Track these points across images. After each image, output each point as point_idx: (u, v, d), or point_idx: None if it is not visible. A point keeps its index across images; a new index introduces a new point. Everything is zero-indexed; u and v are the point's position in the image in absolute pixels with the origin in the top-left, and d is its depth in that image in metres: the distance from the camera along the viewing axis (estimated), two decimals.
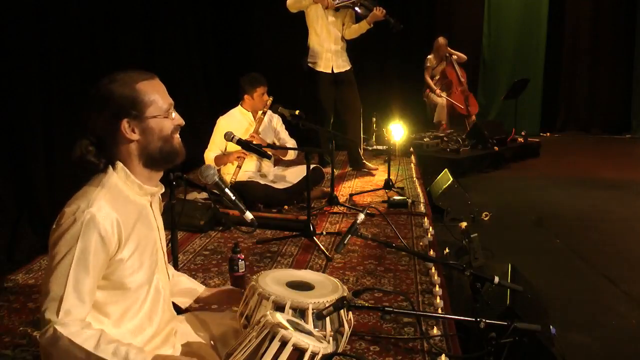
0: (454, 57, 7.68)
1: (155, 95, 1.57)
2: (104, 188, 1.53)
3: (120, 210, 1.52)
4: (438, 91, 7.66)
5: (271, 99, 4.44)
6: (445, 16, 9.03)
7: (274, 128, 4.65)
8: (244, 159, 4.28)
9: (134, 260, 1.56)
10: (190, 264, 3.29)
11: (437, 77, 7.78)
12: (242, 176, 4.37)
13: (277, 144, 4.59)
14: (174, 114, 1.62)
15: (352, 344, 2.29)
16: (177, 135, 1.63)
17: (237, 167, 4.26)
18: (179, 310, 1.97)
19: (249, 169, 4.46)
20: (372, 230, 3.92)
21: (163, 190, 1.70)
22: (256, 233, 3.73)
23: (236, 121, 4.46)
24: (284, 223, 3.97)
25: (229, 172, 4.31)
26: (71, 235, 1.45)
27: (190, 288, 1.97)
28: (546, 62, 9.01)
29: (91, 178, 1.57)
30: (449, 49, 7.70)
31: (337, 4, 5.37)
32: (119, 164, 1.57)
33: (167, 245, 2.39)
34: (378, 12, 5.39)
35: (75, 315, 1.44)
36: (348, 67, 5.65)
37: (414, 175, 5.51)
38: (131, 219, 1.56)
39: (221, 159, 4.38)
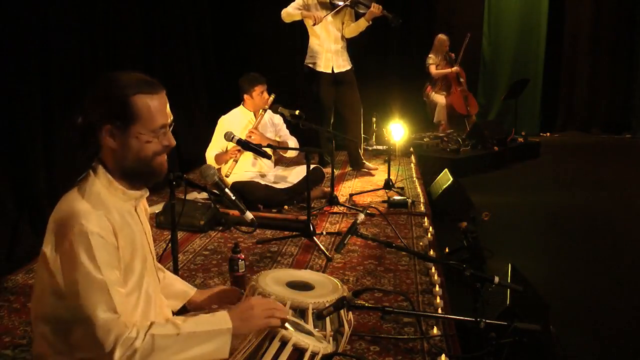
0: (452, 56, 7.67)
1: (148, 112, 1.49)
2: (89, 197, 1.48)
3: (108, 217, 1.48)
4: (454, 69, 7.55)
5: (273, 96, 4.45)
6: (445, 16, 9.03)
7: (275, 125, 4.65)
8: (240, 155, 4.27)
9: (126, 268, 1.52)
10: (190, 264, 3.29)
11: (436, 78, 7.77)
12: (242, 176, 4.37)
13: (279, 140, 4.59)
14: (167, 134, 1.55)
15: (352, 344, 2.29)
16: (162, 157, 1.56)
17: (234, 161, 4.26)
18: (179, 310, 1.96)
19: (249, 169, 4.46)
20: (372, 230, 3.92)
21: (148, 194, 1.65)
22: (256, 233, 3.74)
23: (237, 121, 4.47)
24: (284, 223, 3.98)
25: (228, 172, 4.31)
26: (71, 256, 1.41)
27: (181, 290, 1.94)
28: (546, 62, 9.00)
29: (75, 186, 1.52)
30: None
31: (333, 10, 5.36)
32: (100, 170, 1.52)
33: (166, 247, 2.39)
34: (375, 9, 5.39)
35: (129, 319, 1.42)
36: (348, 67, 5.65)
37: (414, 175, 5.51)
38: (117, 225, 1.50)
39: (220, 158, 4.38)
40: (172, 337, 1.41)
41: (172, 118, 1.57)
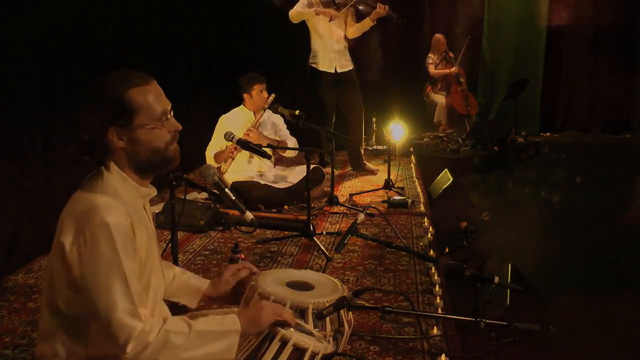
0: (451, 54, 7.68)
1: (147, 103, 1.51)
2: (107, 192, 1.49)
3: (127, 211, 1.49)
4: (451, 69, 7.56)
5: (273, 96, 4.45)
6: (445, 16, 9.02)
7: (275, 125, 4.65)
8: (237, 152, 4.27)
9: (141, 264, 1.53)
10: (190, 264, 3.29)
11: (436, 78, 7.77)
12: (242, 176, 4.37)
13: (278, 140, 4.58)
14: (170, 119, 1.56)
15: (352, 344, 2.29)
16: (174, 144, 1.57)
17: (231, 159, 4.25)
18: (179, 310, 1.96)
19: (249, 168, 4.46)
20: (372, 230, 3.92)
21: (156, 192, 1.66)
22: (256, 233, 3.74)
23: (237, 120, 4.47)
24: (284, 223, 3.98)
25: (229, 171, 4.31)
26: (92, 247, 1.41)
27: (196, 286, 1.96)
28: (546, 62, 9.00)
29: (86, 183, 1.53)
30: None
31: (340, 8, 5.36)
32: (114, 167, 1.53)
33: (166, 247, 2.40)
34: (381, 10, 5.37)
35: (145, 312, 1.43)
36: (351, 67, 5.64)
37: (414, 175, 5.51)
38: (134, 221, 1.52)
39: (219, 156, 4.38)
40: (184, 335, 1.43)
41: (171, 105, 1.58)
